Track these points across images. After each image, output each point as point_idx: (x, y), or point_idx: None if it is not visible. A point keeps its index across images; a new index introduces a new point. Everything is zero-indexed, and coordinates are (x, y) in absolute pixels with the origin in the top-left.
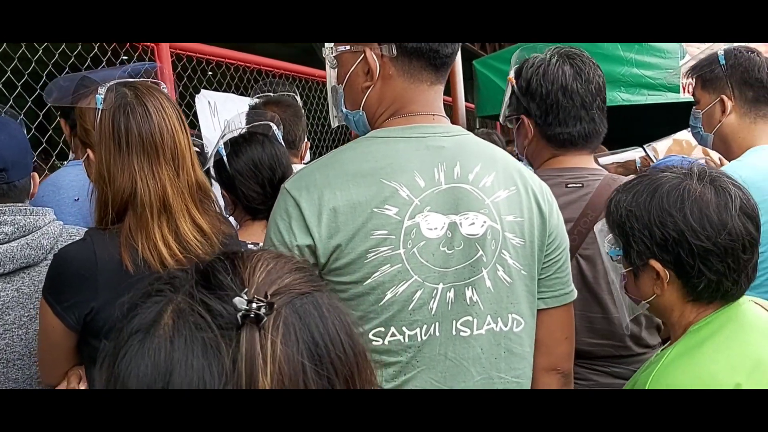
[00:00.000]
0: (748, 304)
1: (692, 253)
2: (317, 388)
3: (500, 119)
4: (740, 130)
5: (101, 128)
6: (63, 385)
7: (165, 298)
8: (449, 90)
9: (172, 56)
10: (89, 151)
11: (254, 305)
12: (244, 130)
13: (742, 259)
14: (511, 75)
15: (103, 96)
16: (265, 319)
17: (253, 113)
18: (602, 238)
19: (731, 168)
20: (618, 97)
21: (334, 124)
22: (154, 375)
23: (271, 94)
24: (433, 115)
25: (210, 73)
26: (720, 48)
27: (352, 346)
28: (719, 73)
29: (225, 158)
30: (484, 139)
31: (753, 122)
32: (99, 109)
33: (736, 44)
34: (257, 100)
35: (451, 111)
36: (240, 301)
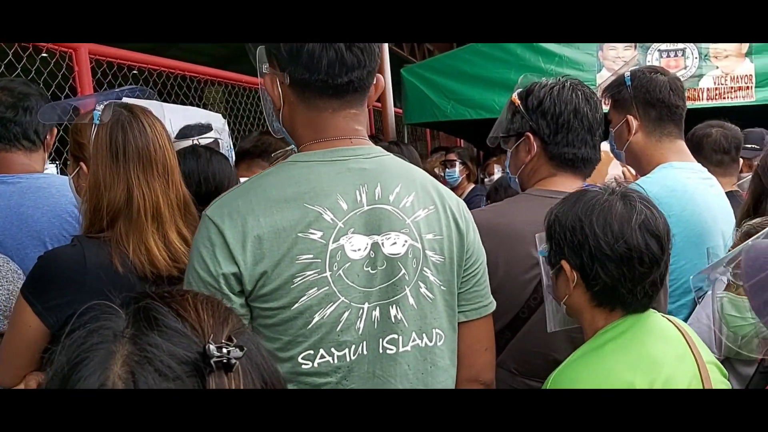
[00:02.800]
0: (655, 315)
1: (592, 256)
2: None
3: (489, 138)
4: (647, 147)
5: (98, 141)
6: (21, 387)
7: (105, 347)
8: (378, 96)
9: (91, 61)
10: (82, 164)
11: (224, 350)
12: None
13: (638, 270)
14: (515, 96)
15: (100, 112)
16: (236, 363)
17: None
18: (540, 243)
19: (641, 184)
20: None
21: (279, 135)
22: None
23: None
24: (350, 138)
25: (131, 79)
26: (628, 70)
27: (280, 375)
28: (625, 95)
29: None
30: (393, 150)
31: (659, 140)
32: (95, 124)
33: (643, 66)
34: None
35: (380, 116)
36: (212, 348)
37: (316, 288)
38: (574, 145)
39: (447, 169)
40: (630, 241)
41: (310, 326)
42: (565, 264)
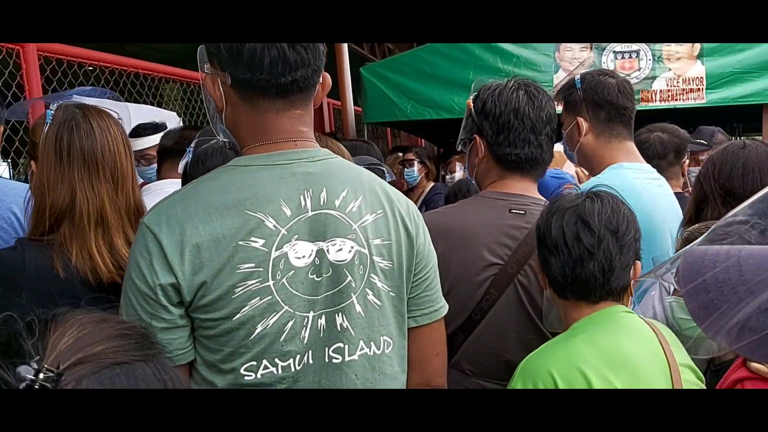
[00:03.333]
0: (630, 314)
1: (546, 249)
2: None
3: (458, 142)
4: (597, 149)
5: (45, 141)
6: None
7: None
8: (338, 94)
9: (39, 59)
10: (32, 163)
11: (41, 376)
12: (214, 142)
13: (590, 267)
14: (469, 99)
15: (53, 112)
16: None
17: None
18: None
19: (591, 184)
20: None
21: (221, 137)
22: None
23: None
24: (295, 140)
25: (82, 77)
26: (579, 73)
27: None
28: (576, 97)
29: (188, 166)
30: (362, 151)
31: (608, 141)
32: (47, 123)
33: (593, 69)
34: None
35: (340, 115)
36: (26, 370)
37: (258, 298)
38: (516, 145)
39: (406, 169)
40: (590, 238)
41: (252, 337)
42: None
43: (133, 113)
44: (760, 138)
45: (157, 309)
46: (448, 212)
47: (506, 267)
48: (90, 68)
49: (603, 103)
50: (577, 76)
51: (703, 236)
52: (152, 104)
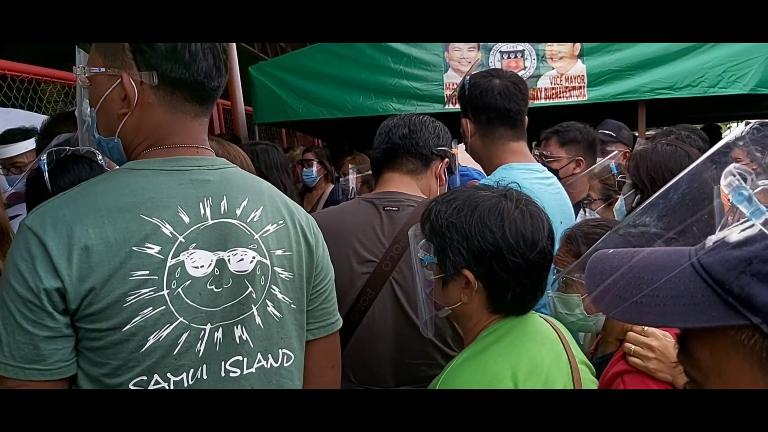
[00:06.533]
0: (534, 315)
1: (505, 266)
2: None
3: None
4: (484, 150)
5: None
6: None
7: None
8: (227, 94)
9: None
10: None
11: None
12: (69, 151)
13: (543, 276)
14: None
15: None
16: None
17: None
18: (415, 244)
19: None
20: (391, 107)
21: (84, 146)
22: None
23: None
24: (197, 147)
25: None
26: (470, 73)
27: None
28: (463, 99)
29: (46, 174)
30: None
31: (492, 143)
32: None
33: (482, 70)
34: None
35: (230, 115)
36: None
37: (151, 307)
38: (378, 147)
39: (304, 169)
40: (542, 251)
41: (143, 349)
42: (468, 273)
43: (2, 118)
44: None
45: (41, 316)
46: (326, 212)
47: (381, 265)
48: None
49: (482, 106)
50: (466, 77)
51: (605, 236)
52: (30, 108)
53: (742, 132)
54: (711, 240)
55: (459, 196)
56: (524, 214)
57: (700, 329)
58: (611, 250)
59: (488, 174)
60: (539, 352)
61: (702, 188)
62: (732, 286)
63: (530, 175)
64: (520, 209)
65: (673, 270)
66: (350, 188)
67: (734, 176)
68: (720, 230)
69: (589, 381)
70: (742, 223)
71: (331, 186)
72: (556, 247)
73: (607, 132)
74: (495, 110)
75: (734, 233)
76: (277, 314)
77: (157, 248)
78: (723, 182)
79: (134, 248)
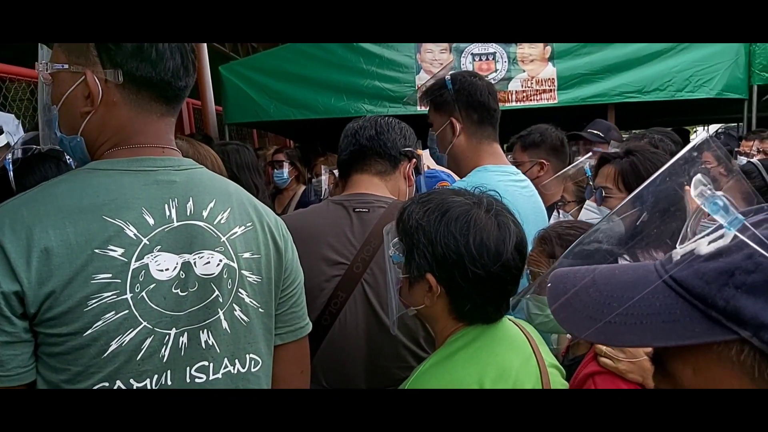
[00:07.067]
0: (503, 319)
1: (466, 277)
2: None
3: None
4: (468, 150)
5: None
6: None
7: None
8: (197, 93)
9: None
10: None
11: None
12: (35, 150)
13: (507, 289)
14: None
15: None
16: None
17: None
18: (389, 240)
19: (457, 186)
20: (363, 108)
21: (45, 144)
22: None
23: None
24: (163, 147)
25: None
26: (447, 74)
27: None
28: (448, 97)
29: (11, 173)
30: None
31: (479, 143)
32: None
33: (460, 70)
34: None
35: (200, 115)
36: None
37: (114, 311)
38: (346, 149)
39: (275, 170)
40: (506, 264)
41: (105, 355)
42: (430, 278)
43: None
44: None
45: None
46: (295, 214)
47: (352, 267)
48: None
49: (476, 104)
50: (447, 77)
51: (572, 246)
52: None
53: (703, 140)
54: (677, 253)
55: (434, 199)
56: (493, 224)
57: (680, 347)
58: (569, 269)
59: (464, 176)
60: (508, 358)
61: (669, 198)
62: (715, 300)
63: (505, 178)
64: (491, 219)
65: (644, 286)
66: (323, 189)
67: (705, 185)
68: (681, 243)
69: (559, 384)
70: (708, 234)
71: (303, 187)
72: (530, 248)
73: (595, 132)
74: (486, 109)
75: (703, 245)
76: (245, 318)
77: (121, 251)
78: (693, 192)
79: (96, 250)
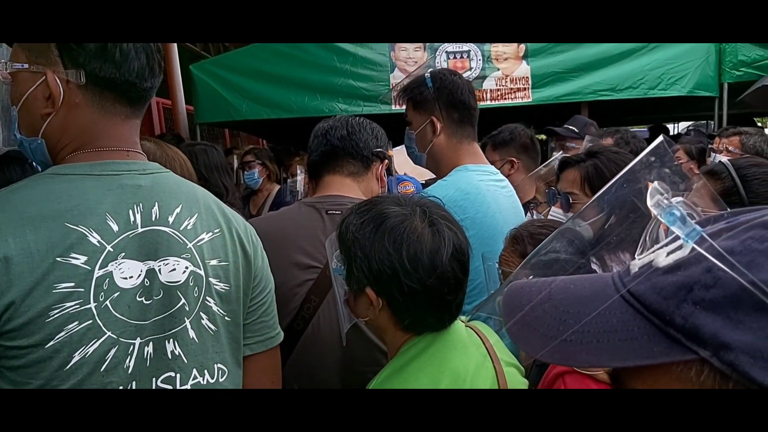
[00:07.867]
0: (456, 324)
1: (402, 291)
2: None
3: None
4: (448, 149)
5: None
6: None
7: None
8: (167, 92)
9: None
10: None
11: None
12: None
13: (446, 299)
14: None
15: None
16: None
17: None
18: (331, 252)
19: (438, 187)
20: (337, 107)
21: (5, 145)
22: None
23: None
24: (128, 150)
25: None
26: (426, 71)
27: None
28: (428, 96)
29: None
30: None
31: (459, 142)
32: None
33: (439, 68)
34: None
35: (171, 115)
36: None
37: (77, 322)
38: (316, 150)
39: (246, 171)
40: (442, 276)
41: (68, 367)
42: (370, 292)
43: None
44: None
45: None
46: (265, 218)
47: (325, 270)
48: None
49: (456, 103)
50: (427, 75)
51: (528, 256)
52: None
53: (659, 143)
54: (635, 265)
55: (371, 209)
56: (427, 235)
57: (638, 367)
58: (525, 282)
59: (443, 175)
60: (461, 363)
61: (629, 205)
62: (673, 317)
63: (485, 177)
64: (425, 229)
65: (601, 300)
66: (299, 189)
67: (661, 195)
68: (640, 252)
69: (518, 382)
70: (666, 245)
71: (277, 186)
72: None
73: (570, 128)
74: (466, 108)
75: (661, 256)
76: (212, 327)
77: (84, 258)
78: (649, 202)
79: (58, 259)
